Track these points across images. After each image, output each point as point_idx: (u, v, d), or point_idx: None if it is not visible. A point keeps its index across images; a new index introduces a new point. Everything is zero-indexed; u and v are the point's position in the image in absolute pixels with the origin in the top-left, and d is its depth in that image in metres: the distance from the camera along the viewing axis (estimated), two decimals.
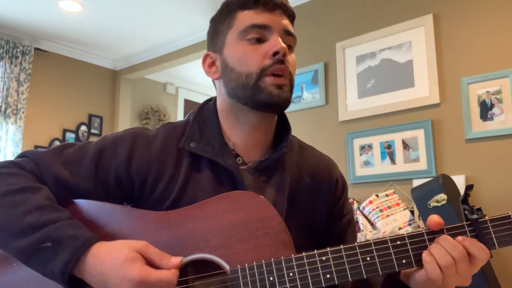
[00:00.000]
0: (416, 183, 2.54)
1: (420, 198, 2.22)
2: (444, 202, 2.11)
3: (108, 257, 0.78)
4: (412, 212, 2.59)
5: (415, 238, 0.80)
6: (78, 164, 0.93)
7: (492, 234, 0.78)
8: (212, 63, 1.01)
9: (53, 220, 0.82)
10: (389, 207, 2.58)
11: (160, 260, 0.80)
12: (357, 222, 2.67)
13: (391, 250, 0.79)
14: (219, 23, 1.00)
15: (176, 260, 0.81)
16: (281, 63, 0.93)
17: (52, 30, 4.27)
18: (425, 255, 0.79)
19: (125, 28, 4.22)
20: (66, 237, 0.80)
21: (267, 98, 0.92)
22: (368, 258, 0.79)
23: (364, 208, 2.66)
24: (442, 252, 0.77)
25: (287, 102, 0.94)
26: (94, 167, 0.93)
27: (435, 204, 2.14)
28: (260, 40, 0.95)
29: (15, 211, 0.83)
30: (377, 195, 2.65)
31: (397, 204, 2.60)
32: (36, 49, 4.38)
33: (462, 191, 2.18)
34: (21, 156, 0.95)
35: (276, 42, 0.93)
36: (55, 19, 4.03)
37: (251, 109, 0.95)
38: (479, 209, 0.78)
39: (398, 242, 0.80)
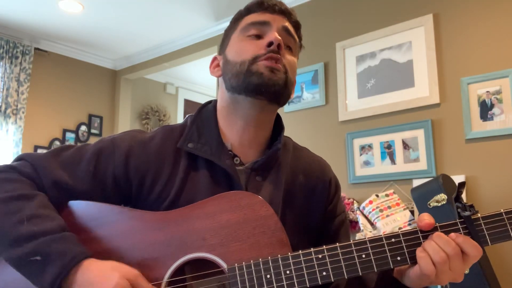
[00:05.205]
0: (416, 183, 2.54)
1: (420, 198, 2.22)
2: (444, 202, 2.11)
3: (98, 278, 0.79)
4: (412, 212, 2.59)
5: (410, 236, 0.81)
6: (76, 166, 0.94)
7: (485, 231, 0.79)
8: (217, 64, 1.05)
9: (44, 232, 0.82)
10: (389, 207, 2.58)
11: None
12: (357, 222, 2.67)
13: (386, 248, 0.80)
14: (228, 30, 1.05)
15: None
16: (275, 53, 0.94)
17: (52, 30, 4.27)
18: (419, 252, 0.80)
19: (125, 28, 4.22)
20: (55, 252, 0.81)
21: (257, 79, 0.93)
22: (363, 256, 0.80)
23: (364, 208, 2.65)
24: (436, 248, 0.78)
25: (279, 86, 0.94)
26: (92, 169, 0.94)
27: (435, 204, 2.13)
28: (259, 37, 0.98)
29: (8, 219, 0.83)
30: (377, 195, 2.65)
31: (397, 204, 2.60)
32: (36, 49, 4.39)
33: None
34: (19, 159, 0.96)
35: (271, 35, 0.95)
36: (55, 19, 4.03)
37: (246, 96, 0.96)
38: (471, 206, 0.80)
39: (393, 240, 0.81)
